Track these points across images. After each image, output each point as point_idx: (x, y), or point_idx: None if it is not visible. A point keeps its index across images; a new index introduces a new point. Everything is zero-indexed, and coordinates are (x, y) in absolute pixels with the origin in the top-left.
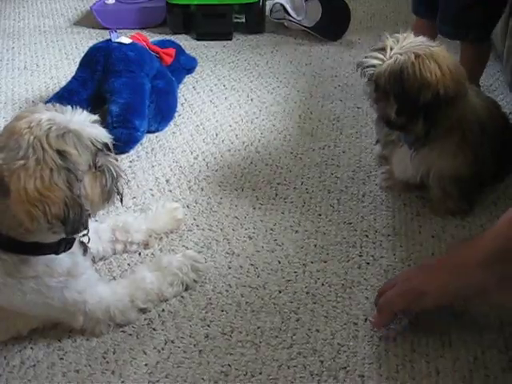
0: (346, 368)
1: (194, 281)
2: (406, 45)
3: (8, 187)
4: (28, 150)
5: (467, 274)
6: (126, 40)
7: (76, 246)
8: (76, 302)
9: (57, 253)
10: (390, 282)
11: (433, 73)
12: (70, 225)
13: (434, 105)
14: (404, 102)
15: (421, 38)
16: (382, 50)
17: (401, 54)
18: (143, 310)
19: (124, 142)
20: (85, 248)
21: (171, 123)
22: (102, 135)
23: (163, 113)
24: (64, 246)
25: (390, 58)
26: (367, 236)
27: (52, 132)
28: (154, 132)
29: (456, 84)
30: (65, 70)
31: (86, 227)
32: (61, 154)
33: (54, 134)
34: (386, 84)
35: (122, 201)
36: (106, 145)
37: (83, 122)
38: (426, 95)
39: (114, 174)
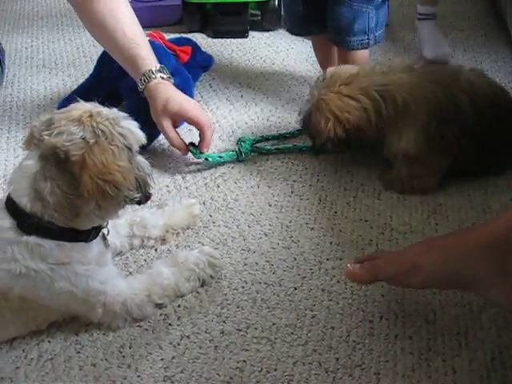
0: (361, 365)
1: (211, 276)
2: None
3: (71, 167)
4: (96, 132)
5: (467, 256)
6: None
7: (98, 238)
8: (97, 293)
9: (87, 240)
10: (383, 252)
11: (320, 123)
12: (144, 193)
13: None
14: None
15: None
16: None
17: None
18: (159, 305)
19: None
20: (105, 241)
21: None
22: (142, 135)
23: None
24: (93, 234)
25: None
26: (383, 234)
27: (113, 120)
28: None
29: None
30: (82, 68)
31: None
32: (122, 136)
33: (115, 121)
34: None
35: (147, 200)
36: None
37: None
38: (320, 140)
39: (147, 170)
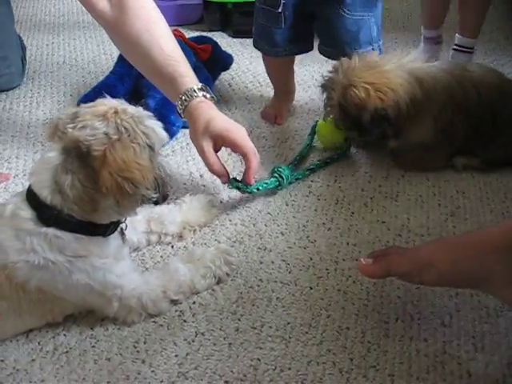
0: (375, 366)
1: (227, 274)
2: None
3: (92, 161)
4: (119, 128)
5: (480, 256)
6: None
7: (116, 232)
8: (114, 287)
9: (105, 235)
10: (396, 247)
11: (360, 96)
12: (161, 193)
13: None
14: (352, 123)
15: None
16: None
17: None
18: (174, 302)
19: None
20: (123, 236)
21: None
22: (165, 135)
23: None
24: (111, 229)
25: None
26: (400, 235)
27: (137, 118)
28: (187, 127)
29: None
30: (102, 65)
31: (167, 198)
32: (145, 135)
33: (139, 119)
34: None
35: (164, 200)
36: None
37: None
38: (366, 116)
39: (167, 171)
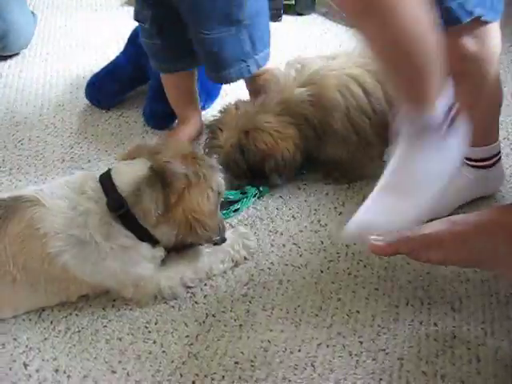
0: (385, 350)
1: (244, 258)
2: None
3: (170, 193)
4: (198, 173)
5: (489, 234)
6: None
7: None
8: (137, 277)
9: (154, 245)
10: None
11: (267, 143)
12: (221, 235)
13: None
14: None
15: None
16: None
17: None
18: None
19: (161, 117)
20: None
21: (219, 101)
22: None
23: (208, 90)
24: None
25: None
26: None
27: (211, 167)
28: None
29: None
30: (114, 47)
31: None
32: (217, 183)
33: (213, 169)
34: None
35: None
36: None
37: None
38: (270, 163)
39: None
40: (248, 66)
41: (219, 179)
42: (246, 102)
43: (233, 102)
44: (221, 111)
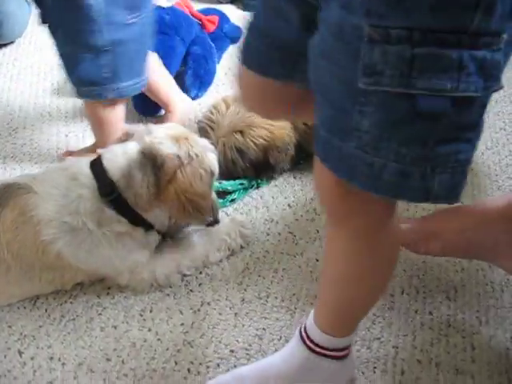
0: (379, 338)
1: (241, 246)
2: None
3: (162, 175)
4: (190, 154)
5: (488, 224)
6: (164, 3)
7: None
8: (132, 264)
9: (146, 230)
10: (403, 218)
11: (265, 137)
12: (214, 217)
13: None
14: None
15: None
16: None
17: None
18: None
19: (149, 104)
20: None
21: (213, 91)
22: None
23: (201, 78)
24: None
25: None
26: (408, 210)
27: (205, 148)
28: (194, 99)
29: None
30: None
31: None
32: (210, 163)
33: (205, 149)
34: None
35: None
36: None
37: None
38: (274, 154)
39: (216, 197)
40: (138, 82)
41: (212, 159)
42: (234, 98)
43: (220, 98)
44: (210, 111)
